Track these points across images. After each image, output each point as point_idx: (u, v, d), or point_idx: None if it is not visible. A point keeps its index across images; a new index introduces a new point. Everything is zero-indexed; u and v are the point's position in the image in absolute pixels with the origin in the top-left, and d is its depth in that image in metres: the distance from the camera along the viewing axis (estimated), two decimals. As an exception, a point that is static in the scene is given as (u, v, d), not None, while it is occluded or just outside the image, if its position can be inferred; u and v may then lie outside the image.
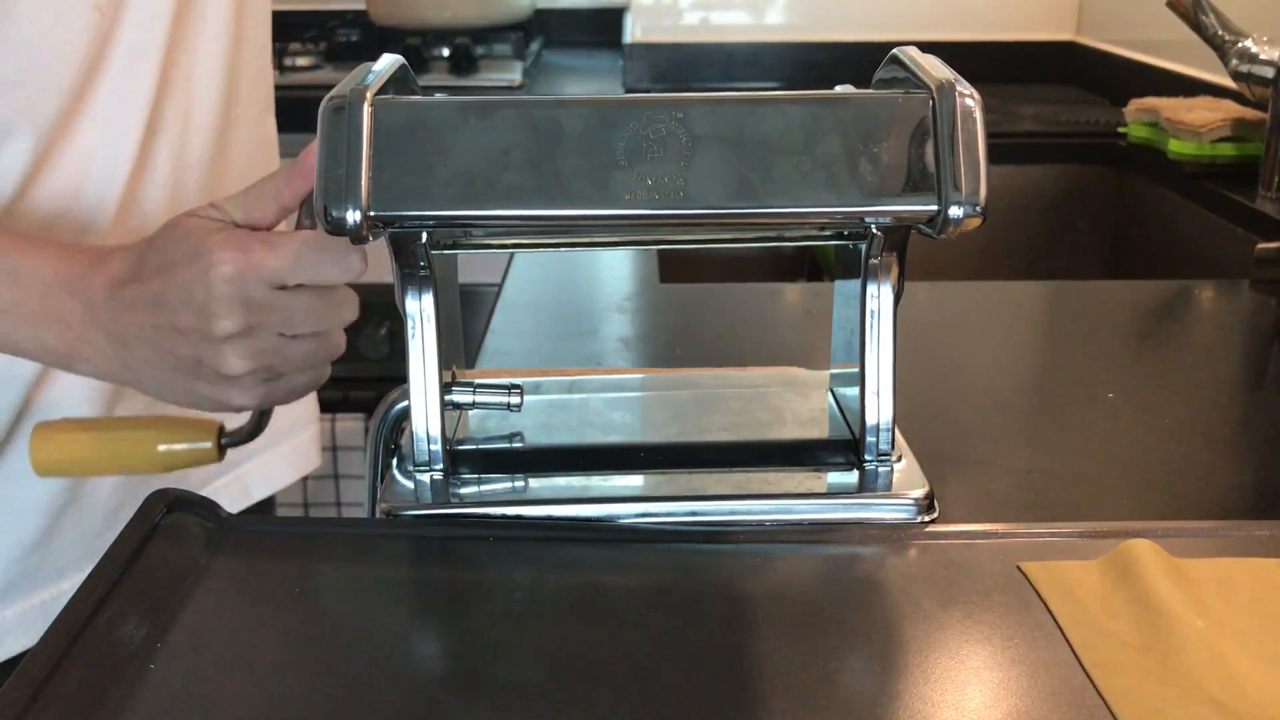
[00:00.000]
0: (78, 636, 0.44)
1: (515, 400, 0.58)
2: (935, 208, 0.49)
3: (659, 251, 1.00)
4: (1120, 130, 1.40)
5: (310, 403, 0.91)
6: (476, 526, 0.53)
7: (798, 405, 0.64)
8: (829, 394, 0.65)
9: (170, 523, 0.52)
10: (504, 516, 0.54)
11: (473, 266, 1.34)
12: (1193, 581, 0.49)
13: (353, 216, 0.48)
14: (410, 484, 0.56)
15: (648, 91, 1.62)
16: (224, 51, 0.73)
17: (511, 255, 0.99)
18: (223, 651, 0.45)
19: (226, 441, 0.62)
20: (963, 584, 0.49)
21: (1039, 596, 0.48)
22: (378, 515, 0.55)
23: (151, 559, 0.49)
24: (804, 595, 0.49)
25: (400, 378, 0.56)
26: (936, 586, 0.49)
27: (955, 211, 0.49)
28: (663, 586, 0.50)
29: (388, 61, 0.53)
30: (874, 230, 0.55)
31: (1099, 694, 0.42)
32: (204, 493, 0.76)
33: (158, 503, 0.53)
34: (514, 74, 1.65)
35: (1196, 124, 1.24)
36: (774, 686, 0.43)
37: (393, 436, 0.59)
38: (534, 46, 1.93)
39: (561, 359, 0.77)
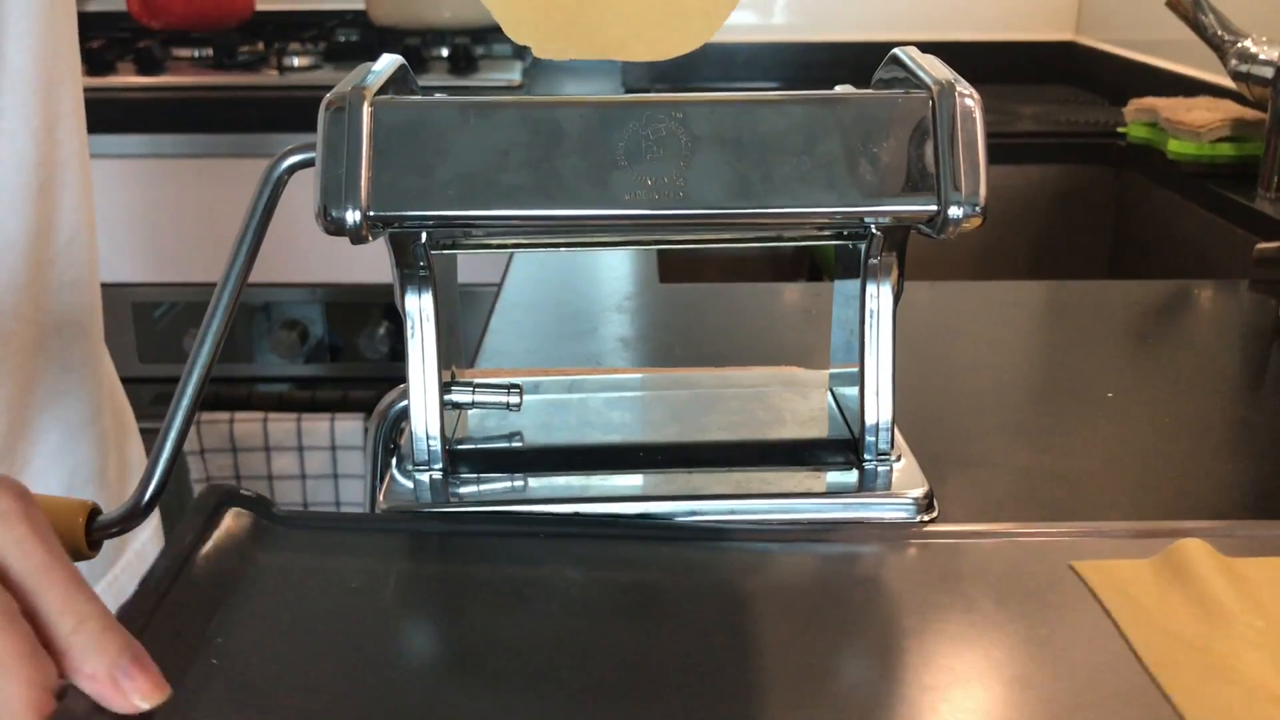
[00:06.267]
0: (143, 630, 0.43)
1: (515, 400, 0.58)
2: (935, 208, 0.49)
3: (659, 251, 0.99)
4: (1120, 130, 1.40)
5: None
6: (531, 524, 0.53)
7: (797, 405, 0.64)
8: (828, 394, 0.65)
9: (223, 518, 0.52)
10: (572, 514, 0.54)
11: (473, 266, 1.34)
12: (1248, 580, 0.48)
13: (353, 217, 0.48)
14: (410, 484, 0.56)
15: (647, 91, 1.62)
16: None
17: (511, 255, 0.99)
18: (280, 648, 0.45)
19: (98, 526, 0.46)
20: (963, 584, 0.49)
21: (1093, 595, 0.48)
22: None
23: (207, 555, 0.49)
24: (803, 594, 0.49)
25: (400, 378, 0.56)
26: (936, 586, 0.49)
27: (955, 211, 0.49)
28: (661, 585, 0.50)
29: (388, 61, 0.53)
30: (873, 230, 0.55)
31: (1162, 693, 0.42)
32: (105, 579, 0.72)
33: (210, 497, 0.52)
34: (514, 74, 1.65)
35: (1196, 124, 1.24)
36: (773, 686, 0.43)
37: (392, 436, 0.59)
38: (534, 46, 1.92)
39: (561, 359, 0.77)
